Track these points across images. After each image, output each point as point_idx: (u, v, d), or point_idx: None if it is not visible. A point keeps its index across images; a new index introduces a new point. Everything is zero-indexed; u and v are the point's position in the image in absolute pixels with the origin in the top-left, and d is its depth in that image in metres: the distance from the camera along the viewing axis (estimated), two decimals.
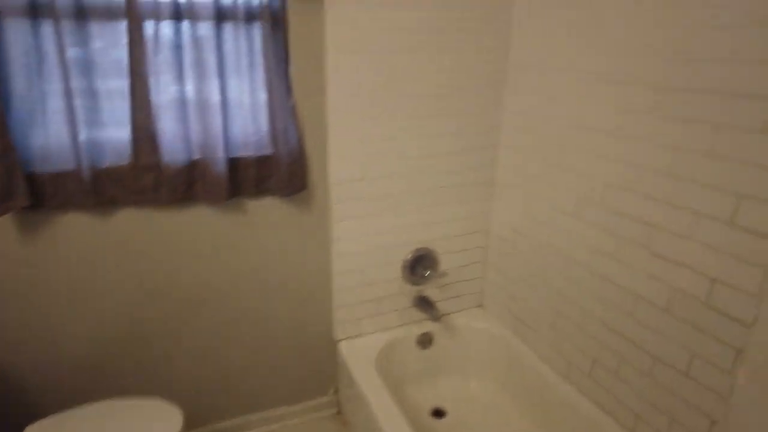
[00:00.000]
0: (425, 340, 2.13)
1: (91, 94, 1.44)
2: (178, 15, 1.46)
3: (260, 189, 1.68)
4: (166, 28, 1.45)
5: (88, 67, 1.42)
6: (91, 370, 1.68)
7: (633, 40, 1.37)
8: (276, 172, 1.67)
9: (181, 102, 1.51)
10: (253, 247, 1.76)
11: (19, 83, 1.36)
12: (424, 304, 2.07)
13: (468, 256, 2.15)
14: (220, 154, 1.57)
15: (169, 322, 1.73)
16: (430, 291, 2.13)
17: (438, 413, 2.05)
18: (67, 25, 1.37)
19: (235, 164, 1.63)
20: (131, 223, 1.57)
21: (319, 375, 2.08)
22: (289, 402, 2.06)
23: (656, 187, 1.36)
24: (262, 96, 1.60)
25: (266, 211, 1.73)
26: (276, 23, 1.55)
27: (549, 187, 1.76)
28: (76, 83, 1.41)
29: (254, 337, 1.89)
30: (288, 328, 1.94)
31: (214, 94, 1.53)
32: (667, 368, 1.38)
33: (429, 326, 2.13)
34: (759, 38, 1.07)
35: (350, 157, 1.78)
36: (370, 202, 1.87)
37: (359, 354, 1.95)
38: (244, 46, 1.56)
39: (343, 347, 1.99)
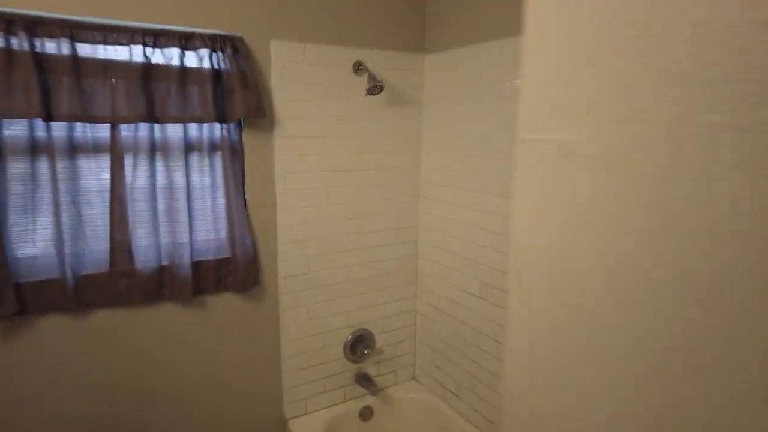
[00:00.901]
0: (366, 413, 2.39)
1: (77, 214, 1.72)
2: (152, 148, 1.81)
3: (219, 287, 1.98)
4: (142, 159, 1.79)
5: (75, 192, 1.71)
6: None
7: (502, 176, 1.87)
8: (233, 272, 1.97)
9: (154, 218, 1.82)
10: (211, 339, 2.02)
11: (15, 207, 1.62)
12: (364, 380, 2.36)
13: (400, 334, 2.49)
14: (185, 260, 1.87)
15: (136, 412, 1.91)
16: (369, 368, 2.42)
17: None
18: (60, 159, 1.67)
19: (198, 267, 1.92)
20: (105, 322, 1.80)
21: None
22: None
23: None
24: (223, 209, 1.94)
25: (224, 305, 2.01)
26: (234, 152, 1.94)
27: (458, 273, 2.18)
28: (64, 206, 1.69)
29: (210, 421, 2.08)
30: (240, 410, 2.15)
31: (182, 211, 1.86)
32: None
33: (369, 400, 2.40)
34: None
35: (295, 255, 2.12)
36: (314, 292, 2.20)
37: (312, 428, 2.18)
38: (208, 170, 1.91)
39: (293, 426, 2.21)
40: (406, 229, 2.38)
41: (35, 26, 1.53)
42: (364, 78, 2.06)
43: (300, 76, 1.99)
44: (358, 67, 2.06)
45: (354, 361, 2.36)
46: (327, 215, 2.16)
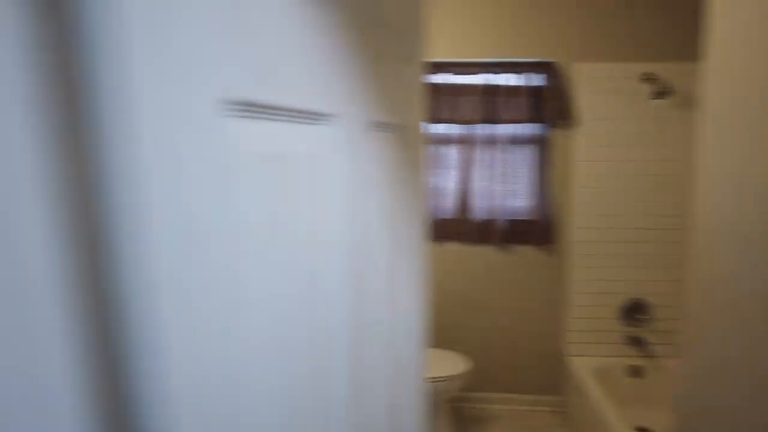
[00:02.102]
0: (634, 372, 2.76)
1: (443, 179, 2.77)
2: (491, 141, 2.71)
3: (524, 240, 2.75)
4: (486, 148, 2.72)
5: (438, 166, 2.76)
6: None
7: None
8: (535, 230, 2.72)
9: (488, 187, 2.73)
10: (514, 278, 2.80)
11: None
12: (636, 343, 2.75)
13: (679, 312, 2.77)
14: (502, 217, 2.71)
15: (464, 314, 2.86)
16: (644, 334, 2.80)
17: (642, 430, 2.63)
18: (437, 146, 2.74)
19: (511, 224, 2.74)
20: (452, 250, 2.80)
21: (550, 379, 2.90)
22: (524, 392, 2.92)
23: None
24: (532, 185, 2.72)
25: (525, 254, 2.78)
26: (543, 144, 2.69)
27: None
28: (435, 174, 2.75)
29: (509, 339, 2.87)
30: (533, 338, 2.86)
31: (506, 183, 2.71)
32: None
33: (639, 361, 2.77)
34: None
35: (586, 226, 2.73)
36: (599, 258, 2.75)
37: (584, 369, 2.73)
38: (525, 157, 2.72)
39: (572, 362, 2.79)
40: (681, 217, 2.69)
41: (432, 67, 2.63)
42: (651, 86, 2.52)
43: (596, 88, 2.61)
44: (645, 78, 2.54)
45: (629, 325, 2.78)
46: (612, 197, 2.69)
